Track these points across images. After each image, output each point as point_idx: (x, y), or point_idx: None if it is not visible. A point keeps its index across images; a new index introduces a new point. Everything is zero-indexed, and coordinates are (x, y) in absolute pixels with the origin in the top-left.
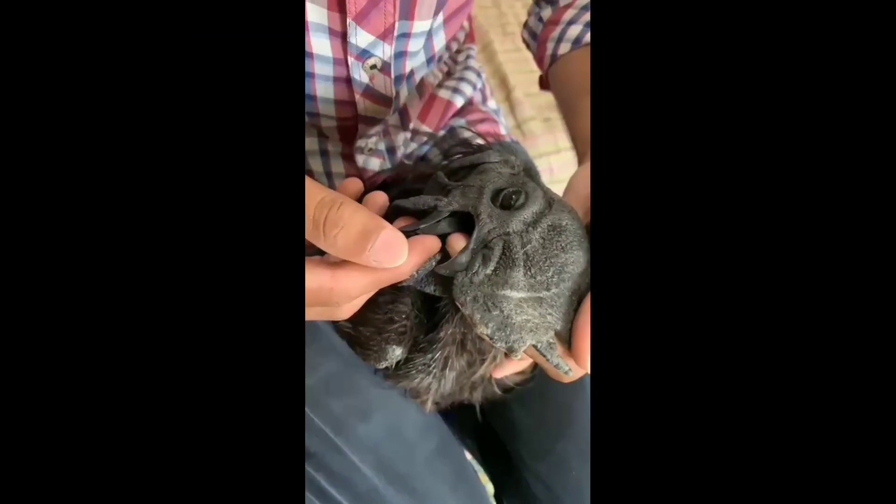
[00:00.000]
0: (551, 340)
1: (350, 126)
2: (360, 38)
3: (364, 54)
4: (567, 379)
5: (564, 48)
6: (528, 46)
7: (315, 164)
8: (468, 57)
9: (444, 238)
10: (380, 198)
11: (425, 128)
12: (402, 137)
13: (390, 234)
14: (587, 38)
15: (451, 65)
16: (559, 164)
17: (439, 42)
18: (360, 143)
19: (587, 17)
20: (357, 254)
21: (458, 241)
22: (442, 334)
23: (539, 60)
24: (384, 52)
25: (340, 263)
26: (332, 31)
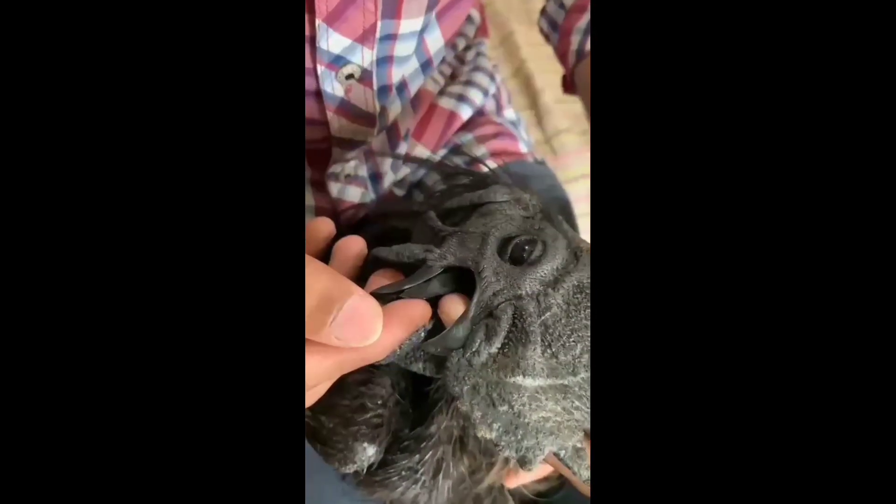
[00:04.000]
0: (579, 446)
1: (323, 149)
2: (333, 41)
3: (337, 61)
4: None
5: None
6: (546, 39)
7: None
8: (478, 55)
9: (435, 301)
10: (354, 246)
11: (421, 147)
12: (390, 160)
13: (358, 303)
14: None
15: (457, 66)
16: None
17: (435, 42)
18: (335, 167)
19: None
20: (314, 330)
21: (453, 307)
22: (433, 429)
23: (562, 56)
24: (363, 57)
25: None
26: None
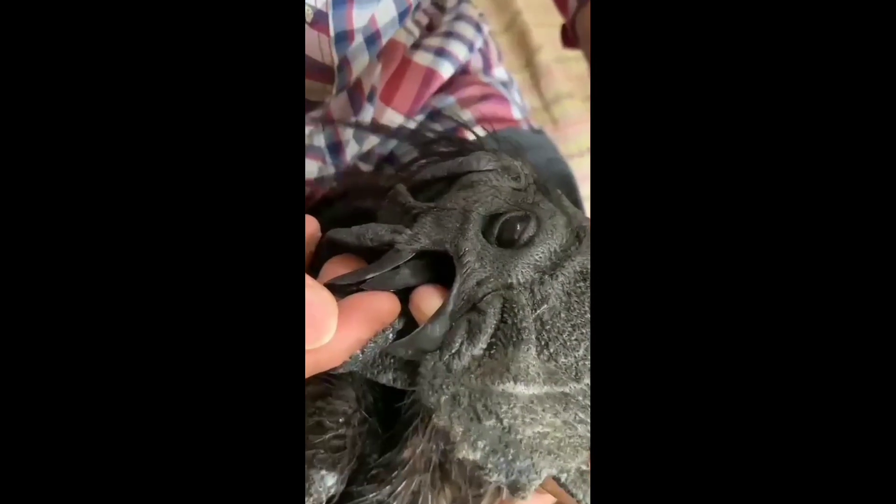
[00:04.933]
0: (584, 468)
1: None
2: None
3: None
4: None
5: None
6: None
7: None
8: (460, 1)
9: (406, 294)
10: (308, 226)
11: (392, 112)
12: (349, 119)
13: (308, 296)
14: None
15: (434, 13)
16: None
17: None
18: None
19: None
20: None
21: (427, 300)
22: (407, 453)
23: (560, 2)
24: None
25: None
26: None
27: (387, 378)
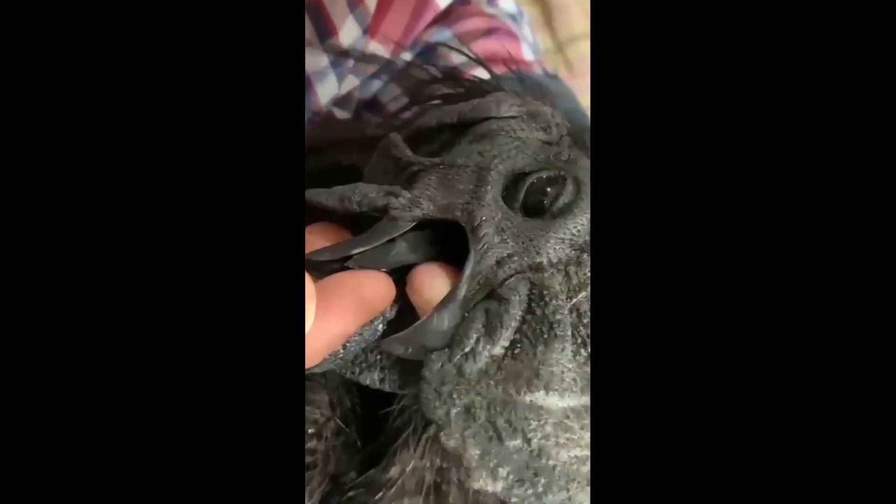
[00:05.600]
0: None
1: None
2: None
3: None
4: None
5: None
6: None
7: None
8: None
9: (402, 274)
10: None
11: (376, 45)
12: (324, 60)
13: None
14: None
15: None
16: None
17: None
18: None
19: None
20: None
21: (431, 283)
22: (394, 472)
23: None
24: None
25: None
26: None
27: (371, 378)
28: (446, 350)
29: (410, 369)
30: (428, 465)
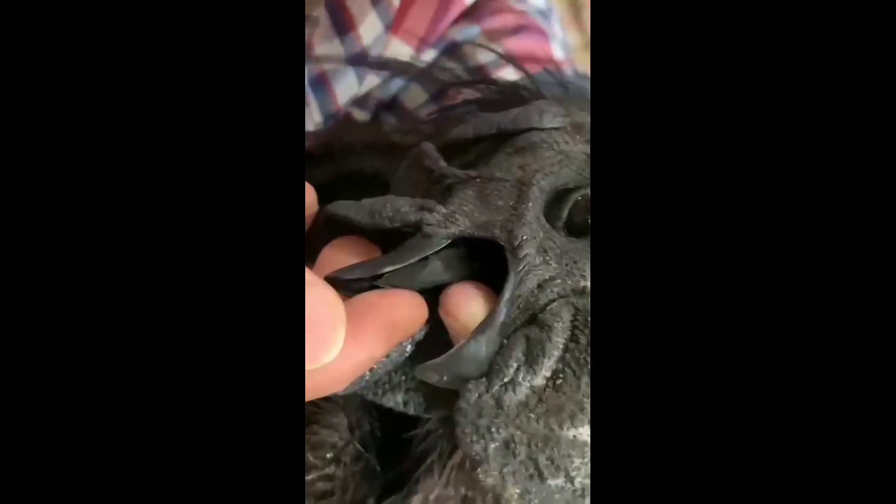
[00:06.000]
0: None
1: None
2: None
3: None
4: None
5: None
6: None
7: None
8: None
9: (434, 293)
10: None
11: (398, 43)
12: (335, 50)
13: (306, 296)
14: None
15: None
16: None
17: None
18: None
19: None
20: None
21: (467, 305)
22: (417, 500)
23: None
24: None
25: None
26: None
27: (395, 401)
28: (484, 380)
29: (436, 392)
30: (453, 493)
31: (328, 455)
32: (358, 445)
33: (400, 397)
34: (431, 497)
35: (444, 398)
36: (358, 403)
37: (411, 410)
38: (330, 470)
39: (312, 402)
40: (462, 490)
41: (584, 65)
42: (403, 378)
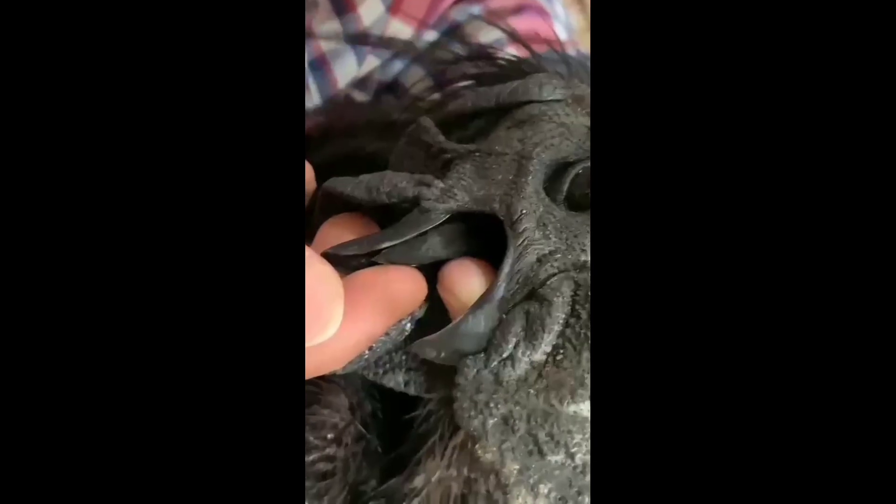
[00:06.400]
0: None
1: None
2: None
3: None
4: None
5: None
6: None
7: None
8: None
9: (433, 270)
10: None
11: (398, 24)
12: (334, 29)
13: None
14: None
15: None
16: None
17: None
18: None
19: None
20: None
21: (465, 280)
22: (418, 481)
23: None
24: None
25: None
26: None
27: (395, 381)
28: (482, 355)
29: (437, 371)
30: (455, 474)
31: (329, 436)
32: (358, 426)
33: (401, 377)
34: (433, 478)
35: (446, 378)
36: (359, 384)
37: (412, 390)
38: (331, 450)
39: (313, 383)
40: (464, 471)
41: (587, 47)
42: (404, 358)
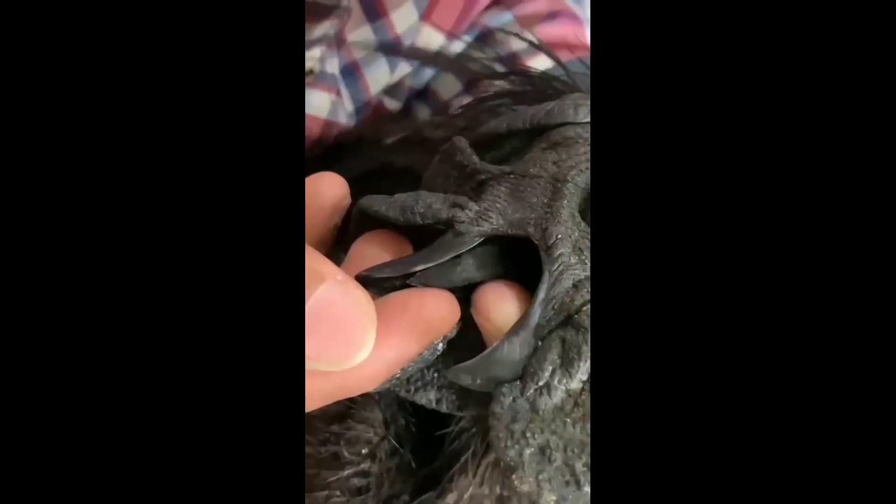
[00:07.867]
0: None
1: None
2: None
3: None
4: None
5: None
6: None
7: None
8: None
9: (466, 292)
10: (330, 189)
11: (430, 30)
12: (363, 37)
13: (333, 295)
14: None
15: None
16: None
17: None
18: None
19: None
20: None
21: (500, 305)
22: (451, 498)
23: None
24: None
25: None
26: None
27: (427, 398)
28: (518, 383)
29: (469, 390)
30: (487, 492)
31: (363, 451)
32: (392, 441)
33: (433, 395)
34: (466, 496)
35: (478, 396)
36: (392, 399)
37: (444, 408)
38: (365, 465)
39: (347, 398)
40: (497, 489)
41: None
42: (436, 375)
